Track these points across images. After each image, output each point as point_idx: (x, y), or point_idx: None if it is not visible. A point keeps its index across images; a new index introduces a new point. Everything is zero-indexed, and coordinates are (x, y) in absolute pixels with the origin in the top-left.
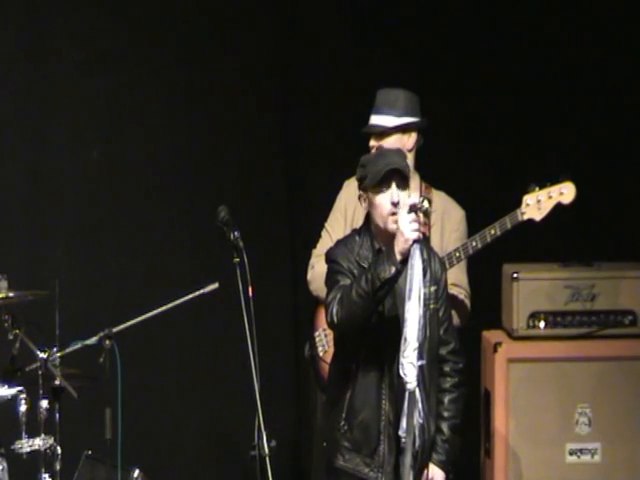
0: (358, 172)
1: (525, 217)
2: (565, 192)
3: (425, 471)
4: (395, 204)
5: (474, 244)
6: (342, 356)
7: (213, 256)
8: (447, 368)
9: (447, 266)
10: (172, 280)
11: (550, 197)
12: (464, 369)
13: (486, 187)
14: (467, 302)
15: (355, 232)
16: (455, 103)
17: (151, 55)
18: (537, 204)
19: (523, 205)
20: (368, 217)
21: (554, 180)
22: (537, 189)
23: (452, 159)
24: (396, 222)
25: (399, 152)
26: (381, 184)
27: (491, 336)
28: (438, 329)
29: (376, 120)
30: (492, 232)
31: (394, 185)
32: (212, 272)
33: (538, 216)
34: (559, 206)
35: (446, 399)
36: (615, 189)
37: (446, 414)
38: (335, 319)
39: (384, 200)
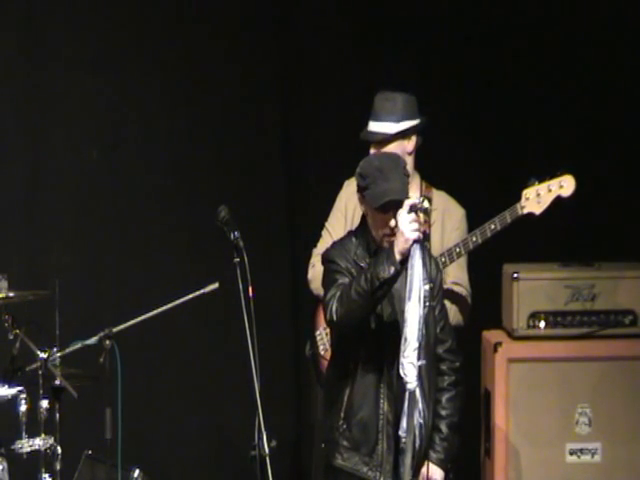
0: (357, 180)
1: (525, 211)
2: (565, 185)
3: (423, 469)
4: (391, 229)
5: (474, 239)
6: (341, 355)
7: (213, 256)
8: (444, 367)
9: (447, 262)
10: (172, 280)
11: (550, 190)
12: (461, 367)
13: (486, 187)
14: (468, 300)
15: (351, 233)
16: (455, 102)
17: (151, 55)
18: (537, 198)
19: (523, 199)
20: (364, 218)
21: (553, 173)
22: (537, 183)
23: (452, 159)
24: (389, 243)
25: (397, 165)
26: (379, 209)
27: (491, 336)
28: (435, 327)
29: (375, 127)
30: (492, 227)
31: (391, 213)
32: (212, 272)
33: (538, 210)
34: (559, 199)
35: (444, 398)
36: (615, 189)
37: (444, 413)
38: (334, 317)
39: (381, 221)
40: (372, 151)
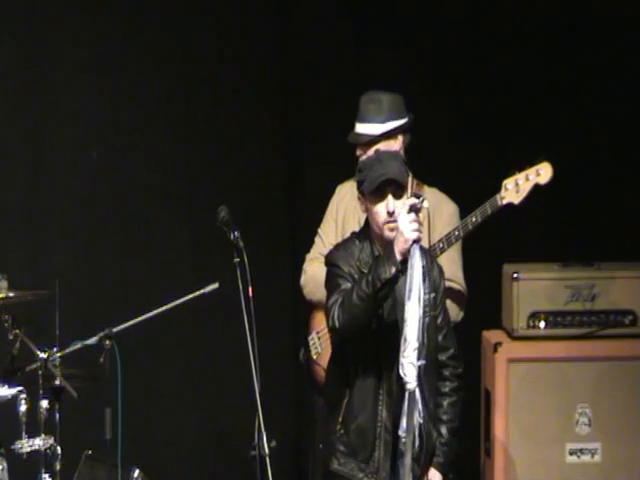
0: (356, 176)
1: (504, 202)
2: (542, 173)
3: (425, 475)
4: (390, 213)
5: (456, 233)
6: (340, 360)
7: (213, 256)
8: (446, 372)
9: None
10: (172, 280)
11: (528, 179)
12: (463, 374)
13: (480, 183)
14: (463, 293)
15: (355, 236)
16: (452, 101)
17: (151, 55)
18: (515, 187)
19: (502, 190)
20: (368, 221)
21: (532, 162)
22: (516, 173)
23: (446, 155)
24: (391, 230)
25: (396, 156)
26: (376, 193)
27: (491, 336)
28: (436, 336)
29: (362, 129)
30: (473, 219)
31: (389, 195)
32: (212, 272)
33: (516, 199)
34: (537, 187)
35: (445, 403)
36: (615, 189)
37: (445, 417)
38: (337, 323)
39: (380, 208)
40: (359, 152)
